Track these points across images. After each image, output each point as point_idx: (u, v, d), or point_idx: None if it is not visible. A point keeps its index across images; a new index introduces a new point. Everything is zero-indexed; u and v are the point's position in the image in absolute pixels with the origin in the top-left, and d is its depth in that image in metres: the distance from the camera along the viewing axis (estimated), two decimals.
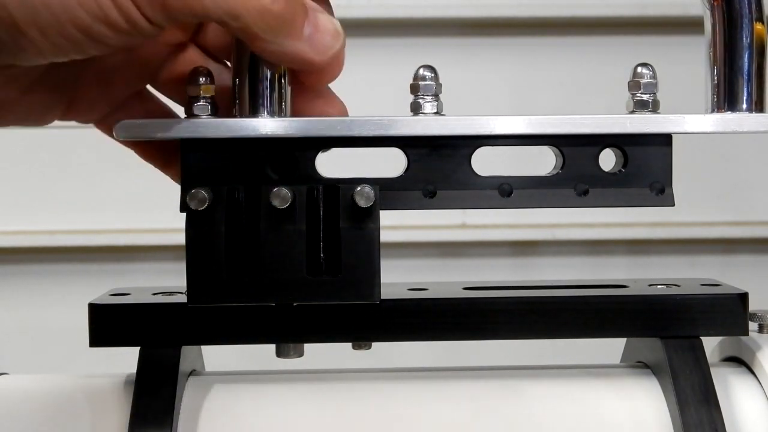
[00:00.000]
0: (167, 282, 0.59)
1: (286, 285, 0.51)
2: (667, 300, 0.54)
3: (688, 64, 1.35)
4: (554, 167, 0.54)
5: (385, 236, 0.51)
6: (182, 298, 0.52)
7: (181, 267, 0.51)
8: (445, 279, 1.24)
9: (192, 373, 0.56)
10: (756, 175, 1.39)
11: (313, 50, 0.49)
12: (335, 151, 0.53)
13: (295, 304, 0.52)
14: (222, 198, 0.51)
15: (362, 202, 0.51)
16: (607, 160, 0.54)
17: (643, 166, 0.53)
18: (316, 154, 0.53)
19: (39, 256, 1.36)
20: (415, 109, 0.52)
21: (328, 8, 0.51)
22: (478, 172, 0.53)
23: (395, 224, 1.29)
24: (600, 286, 0.57)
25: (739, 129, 0.52)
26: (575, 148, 0.53)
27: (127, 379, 0.54)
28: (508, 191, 0.53)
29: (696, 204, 1.38)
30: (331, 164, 0.54)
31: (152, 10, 0.45)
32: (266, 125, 0.51)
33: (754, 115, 0.52)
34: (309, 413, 0.53)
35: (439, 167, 0.53)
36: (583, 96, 1.36)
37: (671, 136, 0.53)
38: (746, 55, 0.52)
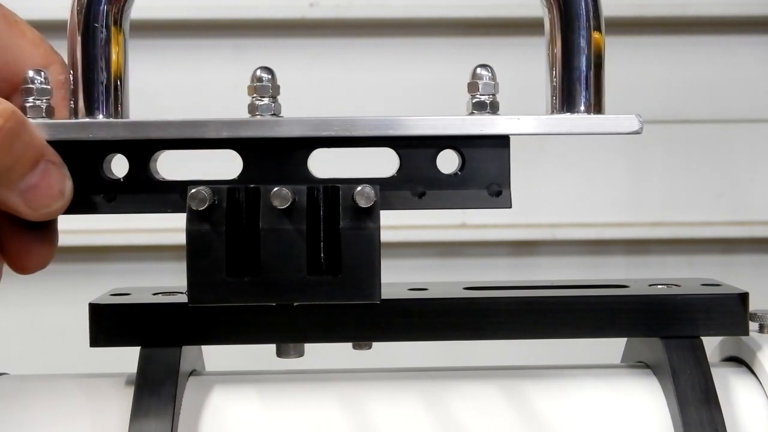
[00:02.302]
0: (167, 282, 0.59)
1: (287, 285, 0.51)
2: (667, 300, 0.54)
3: (691, 64, 1.36)
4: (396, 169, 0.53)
5: (385, 236, 0.51)
6: (182, 298, 0.53)
7: (181, 267, 0.51)
8: (445, 279, 1.24)
9: (192, 373, 0.56)
10: (755, 175, 1.39)
11: (24, 203, 0.49)
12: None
13: (295, 304, 0.52)
14: (222, 198, 0.51)
15: (362, 202, 0.50)
16: (453, 162, 0.53)
17: (480, 168, 0.53)
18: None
19: None
20: (252, 110, 0.51)
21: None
22: (317, 174, 0.52)
23: (395, 224, 1.29)
24: (600, 286, 0.57)
25: (574, 130, 0.52)
26: (412, 150, 0.53)
27: (127, 379, 0.54)
28: None
29: (695, 204, 1.38)
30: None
31: None
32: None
33: (591, 117, 0.52)
34: (309, 413, 0.53)
35: (274, 169, 0.52)
36: None
37: (509, 138, 0.52)
38: (583, 58, 0.52)
